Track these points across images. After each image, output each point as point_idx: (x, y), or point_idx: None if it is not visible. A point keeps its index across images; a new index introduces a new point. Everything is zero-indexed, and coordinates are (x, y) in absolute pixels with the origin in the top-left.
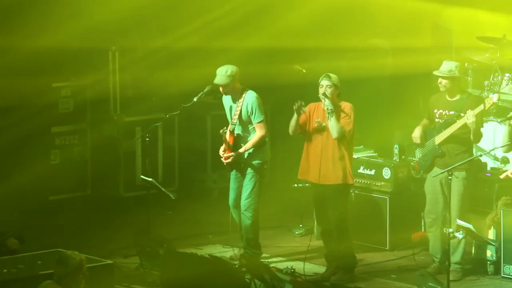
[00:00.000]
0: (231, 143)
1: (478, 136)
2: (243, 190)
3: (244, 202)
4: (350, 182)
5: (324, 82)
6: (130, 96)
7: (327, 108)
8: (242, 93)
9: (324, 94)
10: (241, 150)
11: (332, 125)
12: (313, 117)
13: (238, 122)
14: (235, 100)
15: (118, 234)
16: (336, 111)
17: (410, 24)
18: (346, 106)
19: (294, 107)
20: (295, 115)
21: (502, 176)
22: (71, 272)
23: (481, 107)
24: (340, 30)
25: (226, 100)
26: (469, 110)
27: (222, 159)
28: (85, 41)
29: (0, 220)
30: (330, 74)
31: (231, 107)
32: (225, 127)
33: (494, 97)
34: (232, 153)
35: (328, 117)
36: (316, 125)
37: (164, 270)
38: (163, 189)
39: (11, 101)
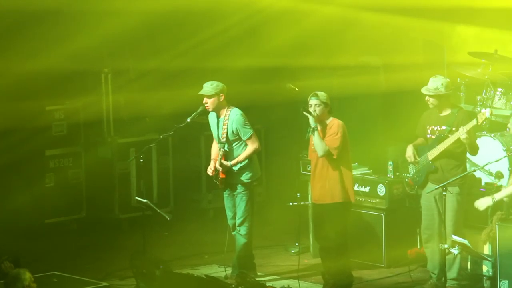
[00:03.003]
0: (222, 160)
1: (474, 149)
2: (236, 209)
3: (238, 221)
4: (349, 200)
5: (313, 101)
6: (124, 117)
7: (310, 127)
8: (226, 110)
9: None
10: (233, 162)
11: (315, 143)
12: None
13: (225, 140)
14: (220, 118)
15: (114, 256)
16: (324, 128)
17: (401, 40)
18: (334, 123)
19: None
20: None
21: None
22: (27, 285)
23: (474, 122)
24: (332, 47)
25: (212, 118)
26: (462, 127)
27: (218, 175)
28: (77, 63)
29: None
30: (318, 92)
31: (218, 125)
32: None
33: (486, 112)
34: (227, 162)
35: (310, 135)
36: (313, 147)
37: None
38: (158, 210)
39: (5, 124)
